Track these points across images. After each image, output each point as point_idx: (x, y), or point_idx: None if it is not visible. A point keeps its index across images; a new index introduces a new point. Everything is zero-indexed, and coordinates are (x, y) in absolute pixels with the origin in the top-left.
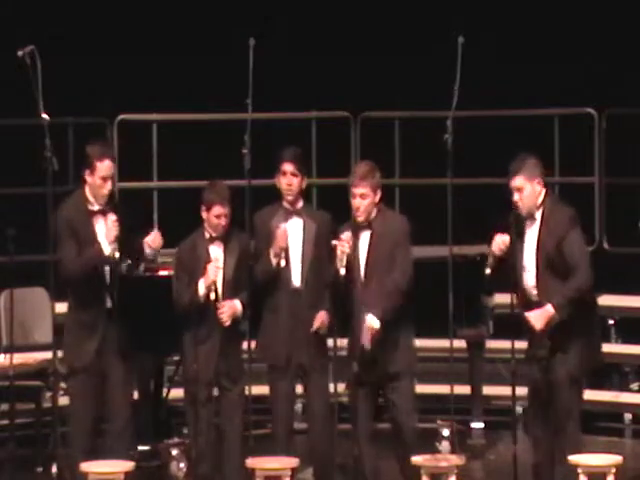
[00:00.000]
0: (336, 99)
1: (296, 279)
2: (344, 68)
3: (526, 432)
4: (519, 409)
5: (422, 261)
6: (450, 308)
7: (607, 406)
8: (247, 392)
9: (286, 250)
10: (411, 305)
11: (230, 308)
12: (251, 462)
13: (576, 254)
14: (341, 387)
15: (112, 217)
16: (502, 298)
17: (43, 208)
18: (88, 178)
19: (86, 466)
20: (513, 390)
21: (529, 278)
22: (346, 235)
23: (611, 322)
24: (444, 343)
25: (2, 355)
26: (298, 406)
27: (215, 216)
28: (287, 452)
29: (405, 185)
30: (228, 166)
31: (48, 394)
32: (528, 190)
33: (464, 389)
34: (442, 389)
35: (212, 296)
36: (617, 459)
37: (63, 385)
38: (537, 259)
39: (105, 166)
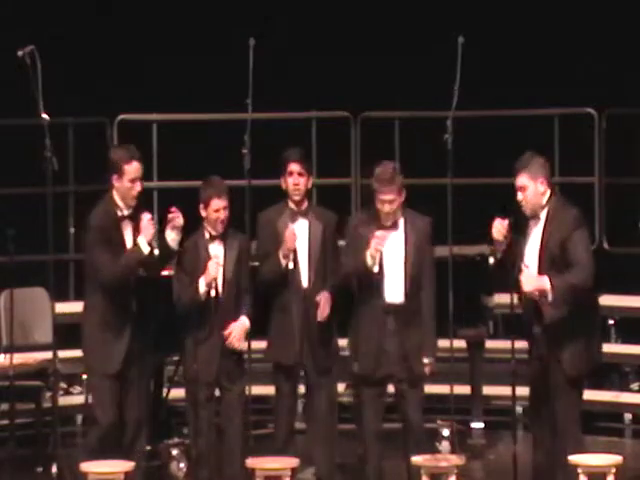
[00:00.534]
0: (336, 99)
1: (304, 280)
2: (344, 68)
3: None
4: (519, 409)
5: None
6: (450, 308)
7: (607, 406)
8: (247, 392)
9: (294, 251)
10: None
11: (239, 331)
12: (251, 462)
13: (580, 253)
14: (341, 387)
15: (147, 216)
16: (502, 298)
17: (43, 208)
18: (116, 183)
19: (86, 466)
20: (513, 390)
21: None
22: (381, 233)
23: (611, 322)
24: (444, 343)
25: (2, 355)
26: (299, 406)
27: (214, 210)
28: (288, 452)
29: (405, 185)
30: (228, 166)
31: (48, 394)
32: (531, 189)
33: (464, 389)
34: (442, 389)
35: (212, 293)
36: (617, 459)
37: (63, 385)
38: (540, 258)
39: (133, 168)
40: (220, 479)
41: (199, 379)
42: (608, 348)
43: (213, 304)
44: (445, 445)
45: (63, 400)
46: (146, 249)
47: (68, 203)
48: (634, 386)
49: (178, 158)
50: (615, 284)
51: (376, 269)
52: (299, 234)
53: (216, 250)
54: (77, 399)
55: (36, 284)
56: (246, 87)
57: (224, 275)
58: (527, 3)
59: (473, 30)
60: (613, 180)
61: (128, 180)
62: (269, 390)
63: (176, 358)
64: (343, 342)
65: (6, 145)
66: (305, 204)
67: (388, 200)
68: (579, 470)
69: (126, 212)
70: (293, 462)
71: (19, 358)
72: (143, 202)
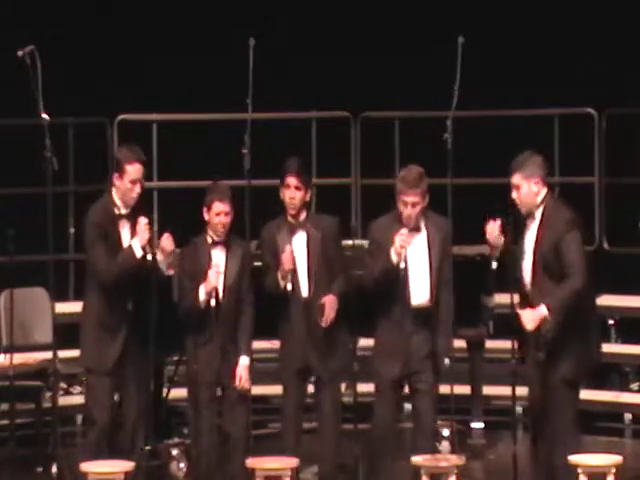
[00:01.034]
0: (336, 99)
1: (304, 290)
2: (344, 68)
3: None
4: (519, 409)
5: None
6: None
7: (607, 406)
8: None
9: (293, 271)
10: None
11: (246, 374)
12: (251, 462)
13: (572, 257)
14: (341, 387)
15: (143, 220)
16: (502, 298)
17: (43, 208)
18: (117, 182)
19: (86, 466)
20: (513, 390)
21: (526, 278)
22: (405, 231)
23: (611, 322)
24: None
25: (2, 355)
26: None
27: (215, 213)
28: (294, 451)
29: None
30: (228, 166)
31: (48, 394)
32: (525, 189)
33: (464, 389)
34: (442, 389)
35: (212, 302)
36: (617, 459)
37: (63, 385)
38: (533, 259)
39: (135, 169)
40: (220, 479)
41: (200, 380)
42: (608, 348)
43: (213, 311)
44: (445, 445)
45: (63, 400)
46: (139, 253)
47: (68, 203)
48: (634, 386)
49: (178, 158)
50: (615, 284)
51: (402, 265)
52: (298, 247)
53: (218, 256)
54: (77, 399)
55: (36, 284)
56: (246, 87)
57: (225, 281)
58: (527, 3)
59: (473, 30)
60: (613, 180)
61: (129, 180)
62: (270, 390)
63: (176, 358)
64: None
65: (6, 145)
66: (303, 215)
67: (411, 202)
68: (579, 470)
69: (124, 211)
70: (293, 462)
71: (19, 358)
72: (143, 202)
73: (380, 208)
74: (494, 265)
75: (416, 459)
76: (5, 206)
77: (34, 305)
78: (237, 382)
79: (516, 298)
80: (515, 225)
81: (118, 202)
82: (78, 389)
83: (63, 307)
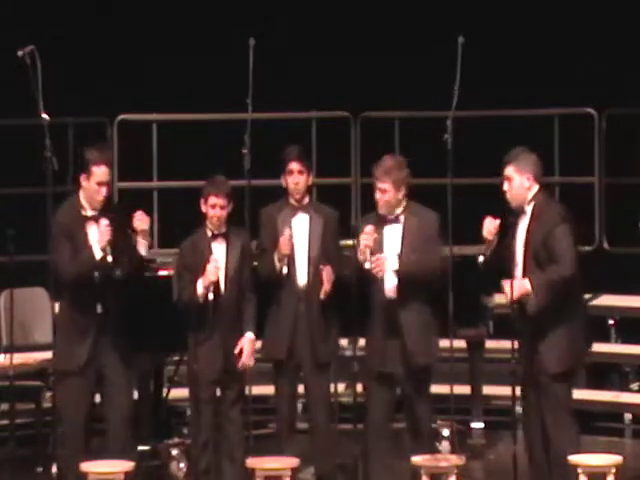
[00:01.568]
0: (336, 99)
1: (302, 276)
2: (344, 68)
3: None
4: (519, 409)
5: None
6: (450, 308)
7: (607, 406)
8: (247, 392)
9: (290, 256)
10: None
11: (249, 348)
12: (251, 462)
13: (561, 249)
14: (341, 387)
15: (104, 222)
16: (502, 298)
17: (43, 208)
18: (84, 183)
19: (86, 466)
20: (513, 390)
21: (518, 272)
22: (369, 229)
23: (611, 322)
24: (444, 343)
25: (2, 355)
26: (298, 406)
27: (211, 206)
28: (289, 451)
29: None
30: (228, 166)
31: (48, 394)
32: (517, 182)
33: (464, 389)
34: (442, 389)
35: (210, 296)
36: (617, 459)
37: None
38: (524, 254)
39: (101, 172)
40: (220, 479)
41: (200, 378)
42: (608, 348)
43: (212, 306)
44: (445, 445)
45: None
46: (98, 254)
47: None
48: (634, 386)
49: (178, 158)
50: (615, 284)
51: (367, 265)
52: (299, 229)
53: (218, 249)
54: None
55: (36, 284)
56: (246, 87)
57: (227, 273)
58: (527, 3)
59: (473, 30)
60: (613, 180)
61: (95, 182)
62: (269, 390)
63: (176, 358)
64: (343, 342)
65: (6, 145)
66: (306, 200)
67: (381, 189)
68: (579, 470)
69: (90, 213)
70: (293, 462)
71: (19, 358)
72: (143, 202)
73: None
74: (481, 259)
75: (416, 459)
76: (5, 206)
77: (34, 305)
78: (237, 352)
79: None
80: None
81: (84, 203)
82: None
83: None
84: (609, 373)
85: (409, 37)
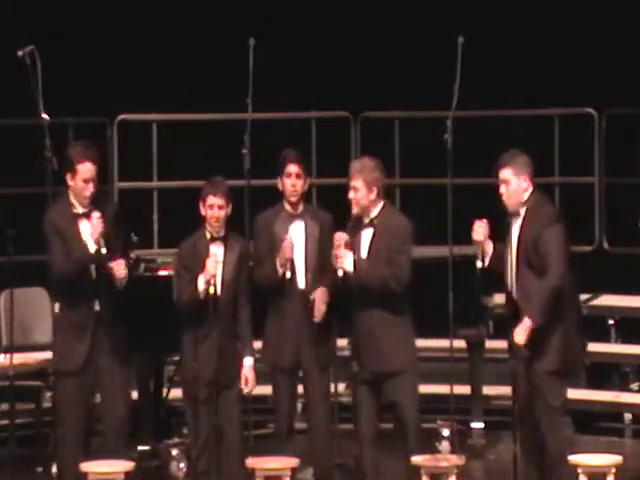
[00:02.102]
0: (336, 99)
1: (300, 281)
2: (344, 68)
3: None
4: None
5: (422, 261)
6: (450, 308)
7: (607, 406)
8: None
9: (291, 260)
10: (409, 303)
11: (252, 375)
12: (251, 462)
13: (550, 251)
14: (341, 387)
15: (96, 214)
16: (502, 298)
17: (43, 208)
18: (70, 181)
19: (86, 466)
20: (513, 390)
21: (510, 273)
22: (338, 235)
23: (611, 322)
24: (444, 343)
25: (2, 355)
26: (298, 406)
27: (209, 207)
28: (288, 451)
29: (405, 185)
30: (228, 166)
31: (48, 394)
32: (514, 184)
33: (464, 389)
34: (442, 389)
35: (211, 290)
36: (617, 459)
37: None
38: (517, 255)
39: (86, 169)
40: (220, 479)
41: (199, 378)
42: (608, 348)
43: (212, 301)
44: (445, 445)
45: None
46: (92, 247)
47: None
48: (634, 386)
49: (178, 158)
50: (615, 284)
51: (340, 273)
52: (295, 236)
53: (216, 252)
54: None
55: (36, 284)
56: (246, 87)
57: (223, 276)
58: (527, 3)
59: (473, 30)
60: (613, 180)
61: (81, 180)
62: (269, 390)
63: (176, 358)
64: (342, 342)
65: (6, 145)
66: (301, 206)
67: (353, 187)
68: (579, 470)
69: (81, 210)
70: (293, 462)
71: (19, 358)
72: (143, 202)
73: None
74: (479, 264)
75: (416, 459)
76: (5, 206)
77: (34, 305)
78: (243, 384)
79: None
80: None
81: (74, 201)
82: None
83: None
84: (609, 373)
85: (409, 37)
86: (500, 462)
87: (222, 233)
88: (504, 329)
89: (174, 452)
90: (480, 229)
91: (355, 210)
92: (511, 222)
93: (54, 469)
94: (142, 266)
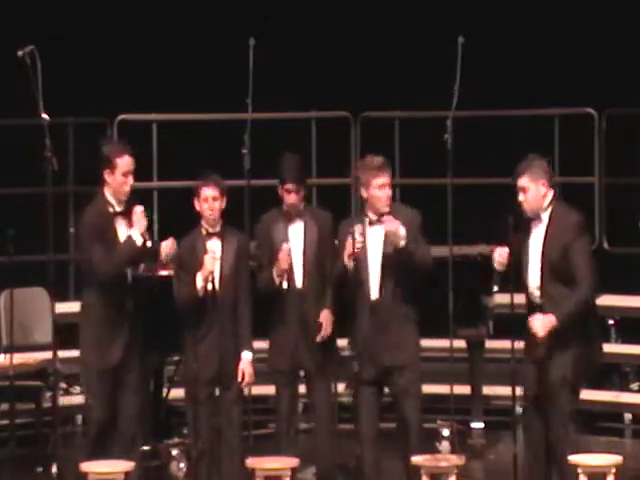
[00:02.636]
0: (336, 99)
1: (299, 281)
2: (344, 68)
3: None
4: (519, 409)
5: None
6: (450, 308)
7: (607, 406)
8: (247, 392)
9: (289, 271)
10: (415, 300)
11: (250, 370)
12: (251, 462)
13: (581, 265)
14: (341, 387)
15: (139, 208)
16: (502, 298)
17: (43, 208)
18: (108, 178)
19: (86, 466)
20: (513, 390)
21: (533, 279)
22: (355, 229)
23: (611, 322)
24: (444, 343)
25: (2, 355)
26: (299, 406)
27: (203, 199)
28: (290, 451)
29: (405, 185)
30: (228, 166)
31: (48, 394)
32: (533, 191)
33: (464, 389)
34: (442, 389)
35: (209, 286)
36: (617, 459)
37: (63, 385)
38: (542, 263)
39: (125, 162)
40: (220, 479)
41: (199, 378)
42: (608, 348)
43: (211, 299)
44: (445, 445)
45: (63, 400)
46: (139, 241)
47: (68, 203)
48: (634, 386)
49: (178, 158)
50: (615, 284)
51: (350, 265)
52: (294, 236)
53: (214, 246)
54: (77, 399)
55: (36, 284)
56: (246, 87)
57: (222, 272)
58: (527, 3)
59: (473, 30)
60: (613, 180)
61: (121, 174)
62: (269, 390)
63: (176, 358)
64: (342, 342)
65: (6, 145)
66: (301, 207)
67: (387, 184)
68: (579, 470)
69: (118, 208)
70: (293, 462)
71: (19, 358)
72: (143, 201)
73: None
74: (495, 289)
75: (416, 459)
76: (5, 206)
77: (34, 305)
78: (240, 378)
79: (517, 298)
80: (517, 228)
81: (112, 200)
82: (78, 389)
83: (63, 307)
84: (609, 373)
85: (409, 37)
86: (500, 462)
87: (218, 228)
88: (504, 329)
89: (174, 452)
90: (501, 259)
91: (389, 208)
92: (531, 224)
93: (54, 469)
94: (142, 266)
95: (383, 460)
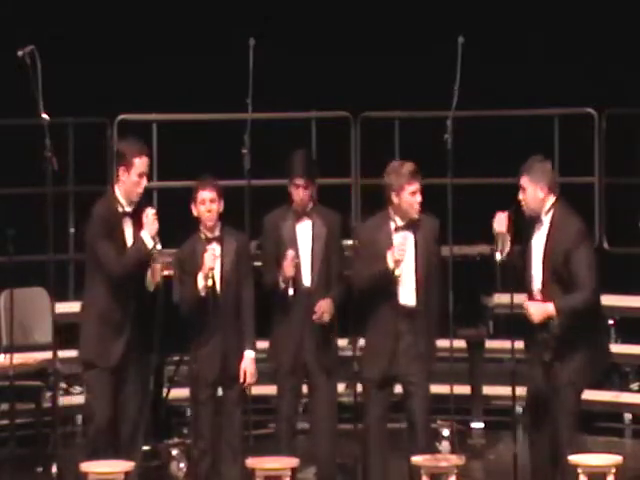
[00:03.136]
0: (336, 99)
1: (306, 279)
2: (344, 68)
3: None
4: (519, 409)
5: None
6: (450, 308)
7: (607, 406)
8: (247, 392)
9: (295, 278)
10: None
11: (252, 367)
12: (251, 462)
13: (583, 271)
14: (341, 387)
15: (151, 210)
16: (502, 298)
17: (43, 208)
18: (122, 176)
19: (86, 466)
20: (513, 390)
21: (535, 282)
22: (399, 236)
23: (611, 322)
24: (444, 343)
25: (2, 355)
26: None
27: (200, 202)
28: (289, 451)
29: None
30: (228, 166)
31: (48, 394)
32: (530, 192)
33: (464, 389)
34: (442, 389)
35: (209, 283)
36: (617, 459)
37: (63, 385)
38: (544, 267)
39: (142, 162)
40: (220, 479)
41: (200, 378)
42: None
43: (212, 299)
44: (445, 445)
45: (63, 400)
46: (150, 244)
47: (68, 203)
48: (634, 386)
49: (178, 158)
50: (615, 284)
51: (398, 272)
52: (303, 234)
53: (214, 246)
54: (77, 399)
55: (36, 284)
56: (246, 87)
57: (222, 274)
58: (527, 3)
59: (473, 30)
60: (613, 180)
61: (136, 174)
62: (269, 390)
63: (176, 358)
64: (342, 342)
65: (6, 145)
66: (310, 205)
67: (419, 190)
68: (579, 470)
69: (127, 209)
70: (293, 462)
71: (19, 358)
72: (143, 202)
73: (380, 208)
74: (498, 257)
75: (416, 459)
76: (5, 206)
77: (34, 305)
78: (242, 376)
79: (516, 298)
80: (517, 224)
81: (122, 199)
82: (78, 389)
83: (63, 307)
84: (609, 373)
85: (409, 37)
86: (500, 462)
87: (217, 232)
88: (504, 329)
89: (174, 452)
90: (502, 220)
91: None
92: (533, 225)
93: (54, 469)
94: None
95: (387, 460)
